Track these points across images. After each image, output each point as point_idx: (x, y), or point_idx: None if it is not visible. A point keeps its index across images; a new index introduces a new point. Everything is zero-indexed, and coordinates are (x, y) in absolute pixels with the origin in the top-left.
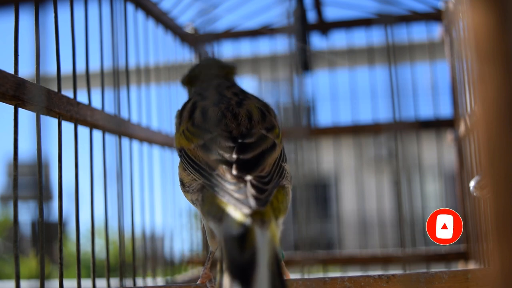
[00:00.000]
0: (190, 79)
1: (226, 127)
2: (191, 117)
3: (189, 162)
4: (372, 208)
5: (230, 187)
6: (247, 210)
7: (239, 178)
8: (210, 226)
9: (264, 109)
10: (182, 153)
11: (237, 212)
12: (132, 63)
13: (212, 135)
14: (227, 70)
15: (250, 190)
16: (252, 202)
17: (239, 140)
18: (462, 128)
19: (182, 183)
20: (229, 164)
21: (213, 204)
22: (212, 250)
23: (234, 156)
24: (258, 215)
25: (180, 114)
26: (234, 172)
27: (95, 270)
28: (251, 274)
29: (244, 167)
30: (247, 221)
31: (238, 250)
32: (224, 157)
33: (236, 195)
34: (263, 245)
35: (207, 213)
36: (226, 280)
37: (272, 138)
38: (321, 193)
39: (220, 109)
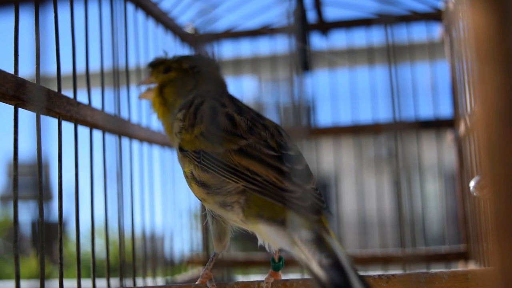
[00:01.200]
0: (189, 65)
1: (260, 136)
2: (213, 121)
3: (217, 164)
4: (372, 208)
5: (291, 194)
6: (315, 217)
7: (299, 186)
8: (260, 229)
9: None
10: (201, 155)
11: (302, 218)
12: (132, 63)
13: (248, 141)
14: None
15: (313, 199)
16: (320, 208)
17: (282, 151)
18: (462, 128)
19: (205, 185)
20: (280, 172)
21: (266, 208)
22: (216, 252)
23: (288, 165)
24: (320, 223)
25: (190, 115)
26: (294, 180)
27: (95, 270)
28: (343, 274)
29: (299, 177)
30: (316, 227)
31: (320, 252)
32: (273, 164)
33: (299, 202)
34: (338, 249)
35: (256, 216)
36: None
37: (303, 155)
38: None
39: (247, 118)
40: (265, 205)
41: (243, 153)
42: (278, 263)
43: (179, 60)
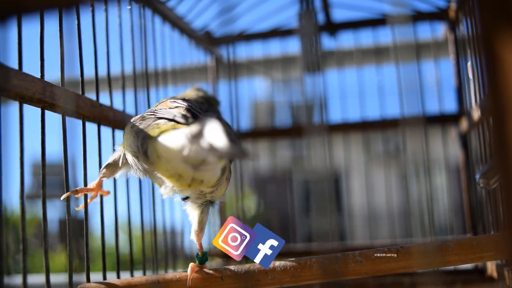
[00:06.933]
0: None
1: None
2: None
3: None
4: (381, 201)
5: None
6: None
7: None
8: None
9: None
10: None
11: None
12: (150, 66)
13: None
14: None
15: None
16: None
17: None
18: (467, 122)
19: None
20: None
21: None
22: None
23: None
24: None
25: None
26: None
27: (119, 263)
28: None
29: None
30: None
31: None
32: None
33: None
34: None
35: None
36: None
37: None
38: (332, 187)
39: None
40: None
41: None
42: (202, 257)
43: None
